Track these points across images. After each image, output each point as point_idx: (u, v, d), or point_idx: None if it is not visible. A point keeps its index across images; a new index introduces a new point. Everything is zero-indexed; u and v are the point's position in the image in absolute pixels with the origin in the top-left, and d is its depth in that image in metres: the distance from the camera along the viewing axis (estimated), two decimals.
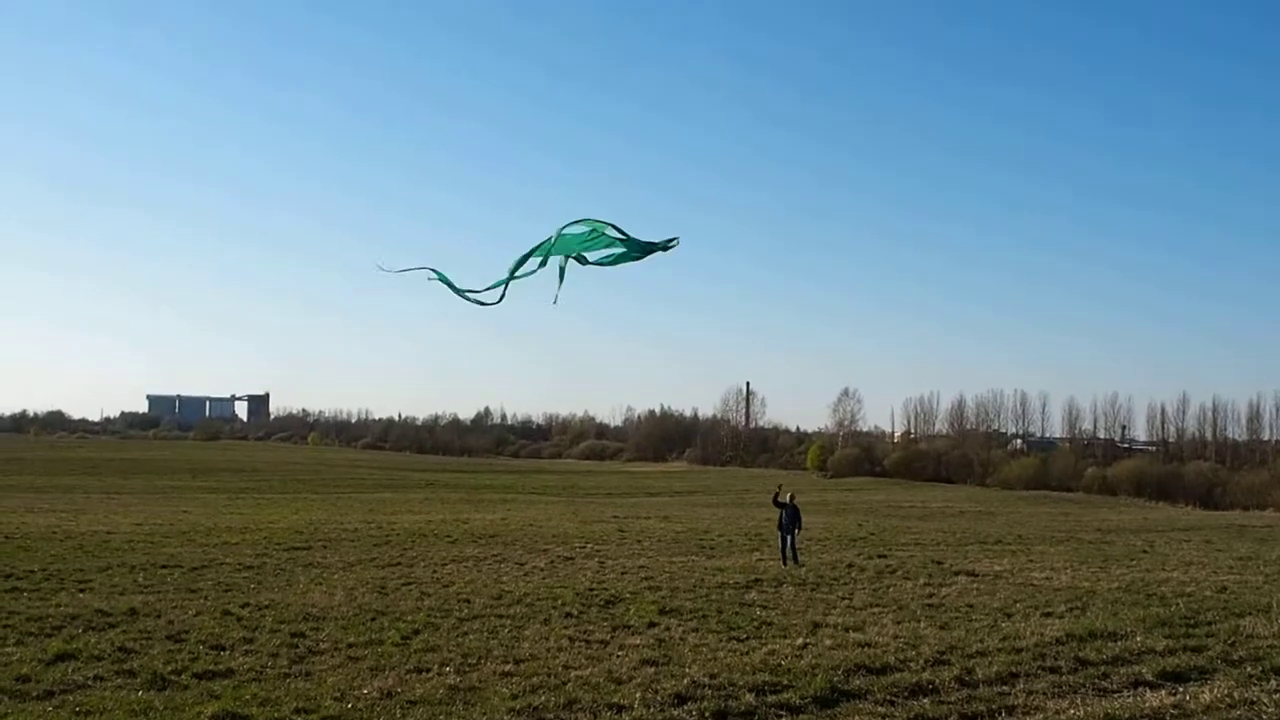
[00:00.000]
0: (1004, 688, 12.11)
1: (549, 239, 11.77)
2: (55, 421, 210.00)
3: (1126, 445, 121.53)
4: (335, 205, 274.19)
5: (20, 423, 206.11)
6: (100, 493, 57.67)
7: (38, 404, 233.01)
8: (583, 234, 11.73)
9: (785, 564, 24.36)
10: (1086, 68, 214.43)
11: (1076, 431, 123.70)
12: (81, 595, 17.87)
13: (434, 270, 12.23)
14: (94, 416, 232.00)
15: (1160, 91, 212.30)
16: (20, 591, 18.10)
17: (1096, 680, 12.58)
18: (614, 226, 11.57)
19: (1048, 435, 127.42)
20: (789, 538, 24.94)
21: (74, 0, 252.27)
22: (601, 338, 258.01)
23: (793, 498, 25.90)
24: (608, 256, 11.93)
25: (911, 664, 13.08)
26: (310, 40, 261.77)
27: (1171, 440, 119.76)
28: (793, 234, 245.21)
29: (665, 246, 11.80)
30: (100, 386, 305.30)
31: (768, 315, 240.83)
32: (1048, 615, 17.29)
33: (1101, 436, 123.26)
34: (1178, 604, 18.79)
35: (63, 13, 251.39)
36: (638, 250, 11.80)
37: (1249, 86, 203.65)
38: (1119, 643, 14.67)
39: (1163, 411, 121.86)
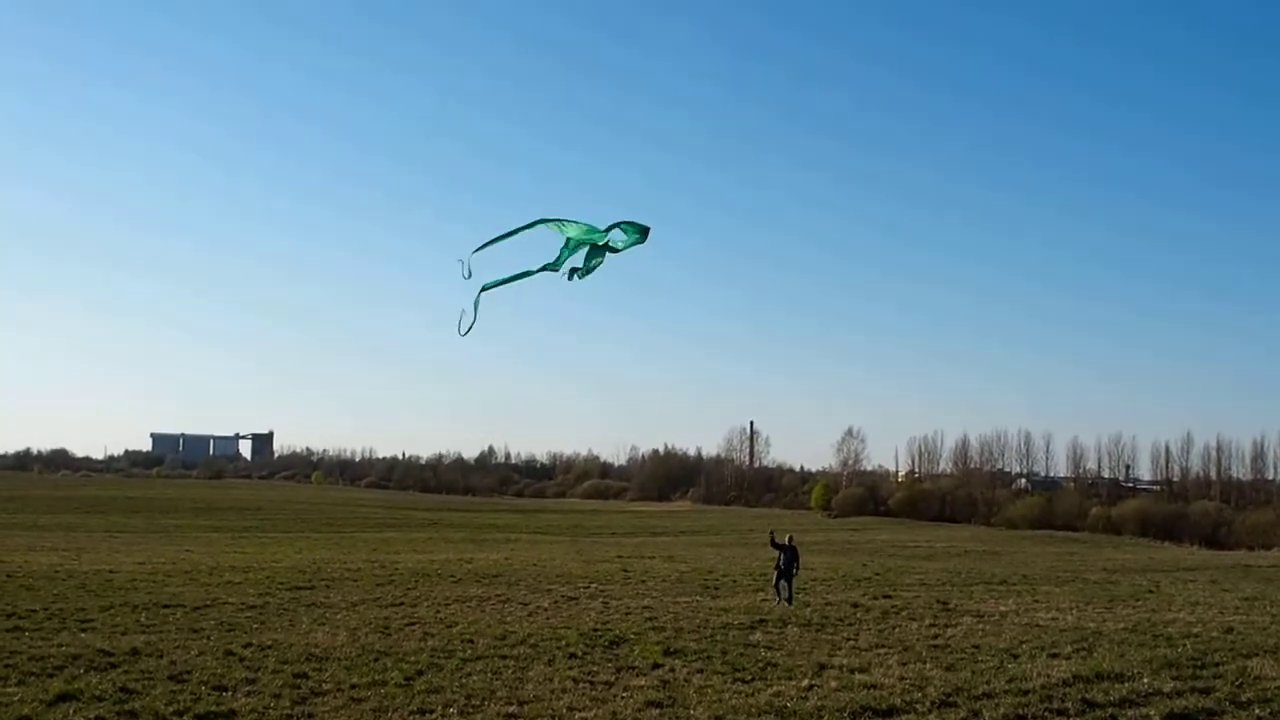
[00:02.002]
0: None
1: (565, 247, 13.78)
2: (59, 459, 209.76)
3: (1131, 485, 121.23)
4: (334, 250, 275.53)
5: (24, 460, 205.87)
6: (103, 531, 57.58)
7: (41, 442, 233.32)
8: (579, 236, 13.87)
9: (779, 603, 24.35)
10: (1094, 99, 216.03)
11: (1081, 471, 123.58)
12: (83, 635, 17.80)
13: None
14: (98, 455, 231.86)
15: (1168, 126, 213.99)
16: (22, 631, 18.05)
17: None
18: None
19: (1052, 475, 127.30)
20: (786, 578, 24.94)
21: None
22: (607, 376, 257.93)
23: (791, 539, 25.87)
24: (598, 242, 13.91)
25: (918, 706, 13.00)
26: (293, 101, 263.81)
27: (1176, 480, 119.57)
28: (797, 273, 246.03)
29: (637, 229, 13.64)
30: (104, 425, 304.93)
31: (772, 355, 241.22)
32: (1054, 656, 17.19)
33: (1106, 476, 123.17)
34: (1185, 645, 18.68)
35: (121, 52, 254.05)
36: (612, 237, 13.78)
37: (1264, 125, 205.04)
38: (1126, 684, 14.59)
39: (1167, 451, 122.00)
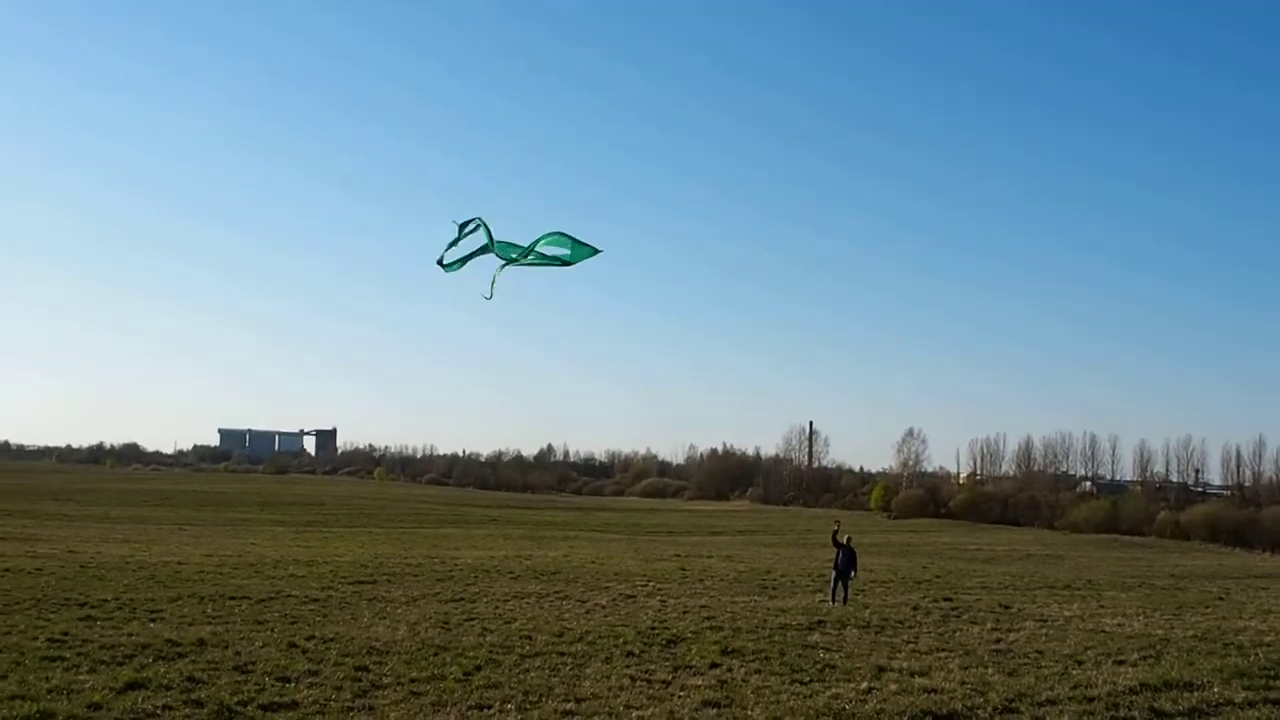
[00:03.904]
0: None
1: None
2: (130, 453, 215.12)
3: (1200, 489, 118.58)
4: (398, 249, 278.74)
5: (97, 454, 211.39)
6: (172, 524, 58.83)
7: (114, 436, 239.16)
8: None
9: (834, 603, 24.23)
10: (1157, 113, 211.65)
11: (1148, 474, 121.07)
12: (152, 625, 18.14)
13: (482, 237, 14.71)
14: (167, 449, 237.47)
15: (1225, 134, 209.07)
16: (94, 620, 18.46)
17: None
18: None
19: (1118, 478, 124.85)
20: (844, 579, 24.78)
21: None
22: (665, 375, 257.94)
23: (850, 540, 25.66)
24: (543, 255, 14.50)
25: (979, 711, 12.81)
26: (350, 97, 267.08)
27: (1247, 484, 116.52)
28: (857, 274, 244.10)
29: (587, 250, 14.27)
30: (174, 420, 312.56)
31: (832, 355, 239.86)
32: (1120, 663, 16.83)
33: (1174, 480, 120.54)
34: (1256, 654, 18.18)
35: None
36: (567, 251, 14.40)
37: None
38: (1195, 693, 14.24)
39: (1238, 454, 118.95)
